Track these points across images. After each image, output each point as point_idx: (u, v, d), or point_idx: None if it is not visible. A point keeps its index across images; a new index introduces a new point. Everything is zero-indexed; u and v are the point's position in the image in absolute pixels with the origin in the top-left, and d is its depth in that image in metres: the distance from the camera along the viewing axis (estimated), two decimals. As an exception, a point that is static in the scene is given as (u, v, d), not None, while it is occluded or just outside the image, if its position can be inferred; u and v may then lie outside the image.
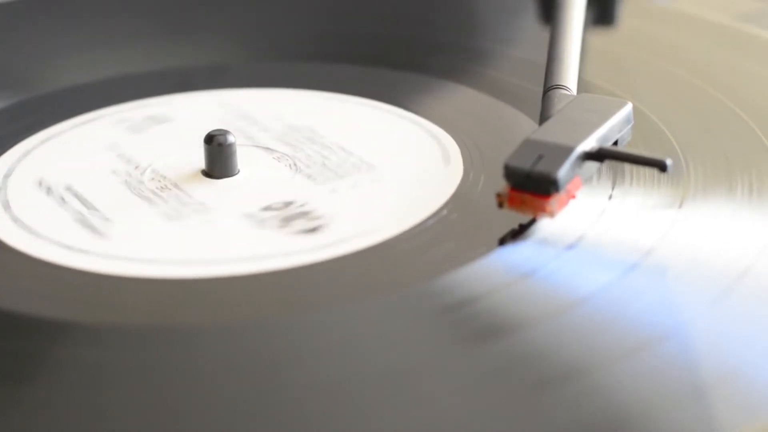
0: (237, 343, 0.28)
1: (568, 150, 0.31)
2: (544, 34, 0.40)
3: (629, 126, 0.33)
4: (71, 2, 0.49)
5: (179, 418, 0.26)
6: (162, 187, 0.35)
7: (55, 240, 0.32)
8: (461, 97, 0.40)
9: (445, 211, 0.33)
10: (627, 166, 0.33)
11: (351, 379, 0.27)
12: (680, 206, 0.32)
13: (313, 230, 0.32)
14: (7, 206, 0.34)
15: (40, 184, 0.35)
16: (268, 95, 0.41)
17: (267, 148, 0.37)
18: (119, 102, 0.41)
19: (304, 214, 0.33)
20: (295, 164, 0.36)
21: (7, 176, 0.36)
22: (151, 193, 0.35)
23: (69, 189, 0.35)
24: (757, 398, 0.26)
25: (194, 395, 0.26)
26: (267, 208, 0.33)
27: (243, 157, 0.36)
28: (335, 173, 0.35)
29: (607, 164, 0.33)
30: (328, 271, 0.31)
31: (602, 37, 0.45)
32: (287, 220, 0.33)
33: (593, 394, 0.26)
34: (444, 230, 0.32)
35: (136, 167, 0.36)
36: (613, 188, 0.33)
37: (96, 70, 0.43)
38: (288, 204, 0.34)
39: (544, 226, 0.31)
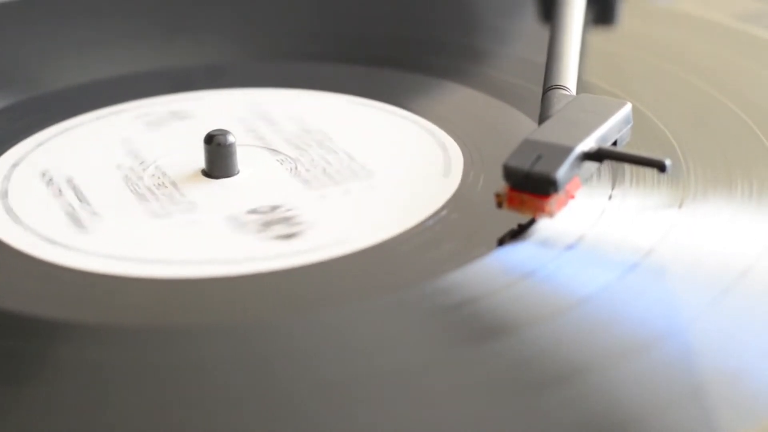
0: (237, 343, 0.28)
1: (568, 150, 0.31)
2: (543, 34, 0.40)
3: (628, 126, 0.33)
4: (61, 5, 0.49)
5: (177, 417, 0.26)
6: (159, 185, 0.35)
7: (39, 232, 0.32)
8: (461, 96, 0.40)
9: (444, 212, 0.33)
10: (627, 167, 0.33)
11: (351, 379, 0.27)
12: (680, 207, 0.32)
13: (289, 236, 0.32)
14: (4, 195, 0.34)
15: (44, 175, 0.36)
16: (284, 95, 0.41)
17: (274, 150, 0.37)
18: (144, 96, 0.41)
19: (286, 220, 0.33)
20: (296, 168, 0.36)
21: (15, 165, 0.36)
22: (146, 190, 0.35)
23: (69, 181, 0.35)
24: (758, 399, 0.26)
25: (194, 395, 0.26)
26: (253, 211, 0.33)
27: (247, 158, 0.36)
28: (332, 179, 0.35)
29: (607, 164, 0.33)
30: (326, 271, 0.31)
31: (602, 37, 0.45)
32: (267, 225, 0.33)
33: (593, 395, 0.26)
34: (444, 231, 0.32)
35: (141, 163, 0.36)
36: (612, 188, 0.33)
37: (117, 65, 0.43)
38: (274, 208, 0.34)
39: (544, 226, 0.31)
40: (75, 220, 0.33)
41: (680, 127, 0.36)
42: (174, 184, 0.35)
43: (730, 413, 0.25)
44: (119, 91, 0.41)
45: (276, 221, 0.33)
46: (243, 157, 0.36)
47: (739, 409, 0.25)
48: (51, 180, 0.35)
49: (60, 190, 0.35)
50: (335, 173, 0.35)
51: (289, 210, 0.33)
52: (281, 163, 0.36)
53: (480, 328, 0.28)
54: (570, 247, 0.31)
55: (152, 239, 0.32)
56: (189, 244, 0.32)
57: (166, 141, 0.38)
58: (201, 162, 0.36)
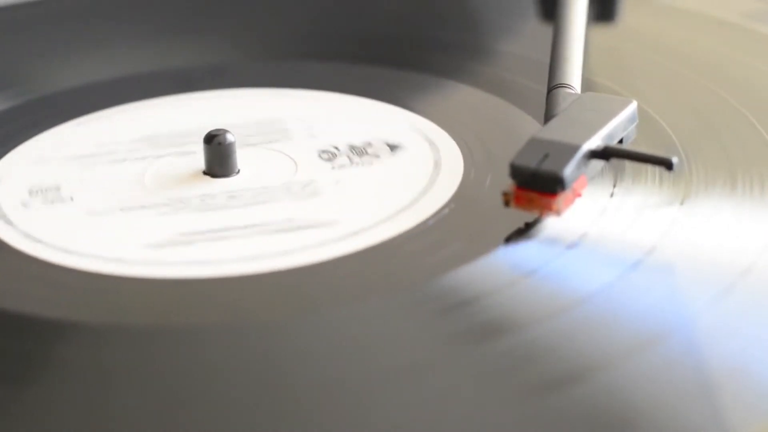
0: (237, 343, 0.28)
1: (574, 148, 0.31)
2: (544, 32, 0.40)
3: (634, 124, 0.33)
4: (61, 6, 0.49)
5: (179, 418, 0.26)
6: (162, 186, 0.35)
7: (48, 241, 0.32)
8: (462, 95, 0.40)
9: (446, 211, 0.33)
10: (628, 164, 0.33)
11: (353, 378, 0.27)
12: (682, 204, 0.32)
13: (323, 226, 0.32)
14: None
15: (32, 184, 0.35)
16: (264, 95, 0.41)
17: (265, 147, 0.37)
18: (118, 104, 0.40)
19: (306, 212, 0.33)
20: (295, 163, 0.36)
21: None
22: (151, 192, 0.35)
23: (62, 189, 0.35)
24: (763, 395, 0.26)
25: (194, 395, 0.26)
26: (270, 207, 0.33)
27: (242, 157, 0.36)
28: (333, 171, 0.35)
29: (609, 162, 0.33)
30: (327, 271, 0.31)
31: (605, 35, 0.45)
32: (291, 219, 0.33)
33: (597, 393, 0.26)
34: (445, 229, 0.32)
35: (136, 167, 0.36)
36: (614, 186, 0.33)
37: (92, 71, 0.43)
38: (291, 202, 0.34)
39: (547, 224, 0.31)
40: (85, 226, 0.33)
41: (682, 124, 0.36)
42: (177, 185, 0.35)
43: (734, 410, 0.25)
44: (91, 100, 0.41)
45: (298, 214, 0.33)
46: (238, 156, 0.36)
47: (744, 405, 0.25)
48: (43, 189, 0.35)
49: (54, 199, 0.34)
50: (336, 165, 0.35)
51: (304, 204, 0.33)
52: (278, 159, 0.36)
53: (482, 327, 0.28)
54: (572, 245, 0.31)
55: (170, 240, 0.32)
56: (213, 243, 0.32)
57: (152, 145, 0.37)
58: (197, 162, 0.36)
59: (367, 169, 0.35)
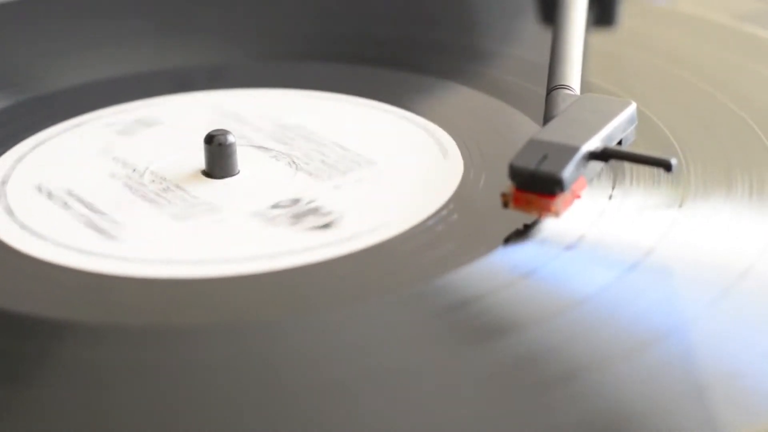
0: (237, 344, 0.28)
1: (573, 150, 0.31)
2: (543, 34, 0.40)
3: (633, 126, 0.33)
4: (44, 5, 0.49)
5: (178, 417, 0.26)
6: (165, 189, 0.35)
7: (67, 244, 0.32)
8: (461, 97, 0.40)
9: (445, 212, 0.33)
10: (627, 166, 0.33)
11: (352, 378, 0.27)
12: (680, 206, 0.32)
13: (325, 226, 0.32)
14: (10, 213, 0.34)
15: (40, 189, 0.35)
16: (258, 95, 0.41)
17: (262, 147, 0.37)
18: (105, 106, 0.40)
19: (314, 210, 0.33)
20: (293, 162, 0.36)
21: (3, 183, 0.36)
22: (154, 194, 0.35)
23: (70, 193, 0.35)
24: (758, 399, 0.26)
25: (197, 395, 0.26)
26: (275, 206, 0.33)
27: (240, 157, 0.36)
28: (336, 169, 0.35)
29: (608, 164, 0.33)
30: (327, 271, 0.31)
31: (604, 38, 0.45)
32: (298, 217, 0.33)
33: (594, 394, 0.26)
34: (444, 230, 0.32)
35: (134, 170, 0.36)
36: (613, 188, 0.33)
37: (80, 73, 0.43)
38: (295, 201, 0.34)
39: (545, 226, 0.31)
40: (98, 229, 0.33)
41: (680, 126, 0.36)
42: (179, 186, 0.35)
43: (730, 412, 0.25)
44: (79, 102, 0.41)
45: (305, 213, 0.33)
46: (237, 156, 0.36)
47: (739, 408, 0.25)
48: (51, 194, 0.35)
49: (66, 203, 0.34)
50: (336, 163, 0.35)
51: (309, 202, 0.33)
52: (277, 159, 0.36)
53: (480, 328, 0.28)
54: (570, 246, 0.31)
55: (185, 241, 0.32)
56: (224, 243, 0.32)
57: (147, 147, 0.37)
58: (196, 163, 0.36)
59: (366, 169, 0.35)
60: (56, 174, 0.36)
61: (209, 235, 0.32)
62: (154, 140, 0.38)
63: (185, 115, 0.40)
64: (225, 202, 0.34)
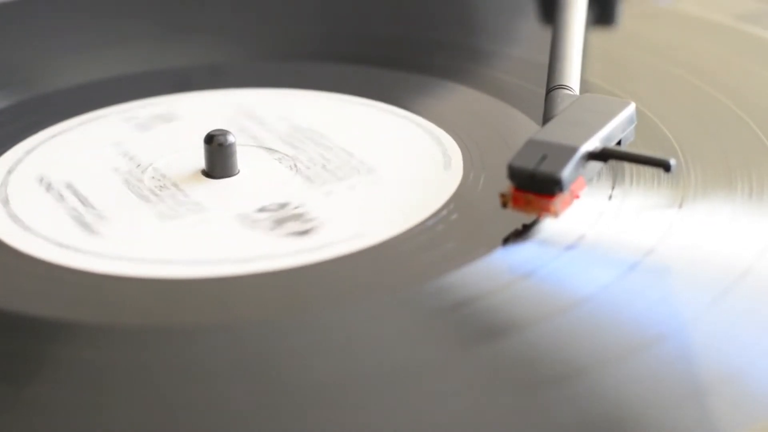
0: (236, 344, 0.28)
1: (572, 150, 0.31)
2: (543, 34, 0.40)
3: (632, 126, 0.33)
4: (79, 3, 0.49)
5: (177, 417, 0.26)
6: (161, 187, 0.35)
7: (48, 237, 0.32)
8: (461, 97, 0.40)
9: (445, 212, 0.33)
10: (627, 166, 0.33)
11: (351, 379, 0.27)
12: (680, 206, 0.32)
13: (304, 232, 0.32)
14: (6, 202, 0.34)
15: (41, 180, 0.35)
16: (274, 95, 0.41)
17: (270, 149, 0.37)
18: (127, 100, 0.41)
19: (297, 216, 0.33)
20: (295, 165, 0.36)
21: (9, 172, 0.36)
22: (149, 192, 0.35)
23: (69, 186, 0.35)
24: (758, 399, 0.26)
25: (193, 395, 0.26)
26: (262, 209, 0.33)
27: (244, 158, 0.36)
28: (334, 175, 0.35)
29: (607, 164, 0.33)
30: (326, 271, 0.31)
31: (603, 38, 0.45)
32: (280, 222, 0.33)
33: (593, 395, 0.26)
34: (444, 230, 0.32)
35: (138, 165, 0.36)
36: (612, 188, 0.33)
37: (103, 68, 0.43)
38: (283, 206, 0.34)
39: (545, 226, 0.31)
40: (83, 224, 0.33)
41: (680, 126, 0.36)
42: (176, 185, 0.35)
43: (730, 413, 0.25)
44: (101, 97, 0.41)
45: (288, 218, 0.33)
46: (241, 157, 0.36)
47: (739, 408, 0.25)
48: (50, 185, 0.35)
49: (61, 195, 0.34)
50: (336, 169, 0.35)
51: (297, 207, 0.33)
52: (280, 162, 0.36)
53: (480, 328, 0.28)
54: (570, 247, 0.31)
55: (165, 240, 0.32)
56: (201, 244, 0.32)
57: (158, 143, 0.38)
58: (199, 162, 0.36)
59: (364, 176, 0.35)
60: (60, 166, 0.36)
61: (187, 235, 0.32)
62: (167, 137, 0.38)
63: (205, 113, 0.40)
64: (214, 203, 0.34)
